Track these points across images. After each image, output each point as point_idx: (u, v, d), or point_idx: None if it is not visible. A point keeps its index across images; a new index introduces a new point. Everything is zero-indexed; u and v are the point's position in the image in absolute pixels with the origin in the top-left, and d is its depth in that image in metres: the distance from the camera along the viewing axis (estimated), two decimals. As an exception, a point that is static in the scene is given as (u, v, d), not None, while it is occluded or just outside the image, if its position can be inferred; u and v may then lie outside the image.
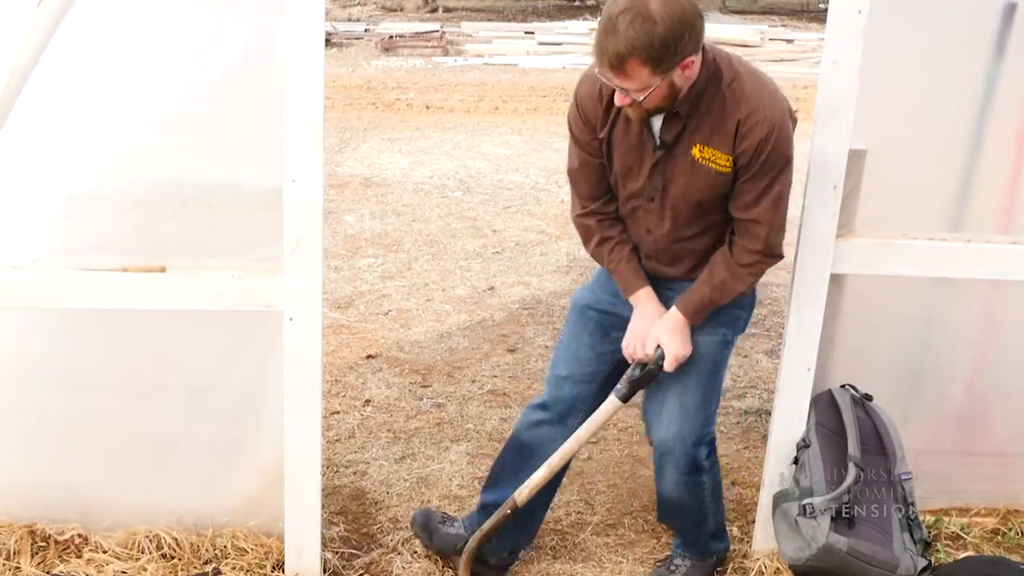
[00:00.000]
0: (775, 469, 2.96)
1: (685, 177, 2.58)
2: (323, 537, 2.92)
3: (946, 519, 3.24)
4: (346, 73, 13.62)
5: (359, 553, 3.08)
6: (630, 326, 2.76)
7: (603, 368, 2.85)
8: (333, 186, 7.76)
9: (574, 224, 2.83)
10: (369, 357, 4.64)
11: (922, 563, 2.83)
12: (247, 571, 2.84)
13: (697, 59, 2.41)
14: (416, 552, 3.09)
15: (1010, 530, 3.23)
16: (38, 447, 2.90)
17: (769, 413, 2.99)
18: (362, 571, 2.98)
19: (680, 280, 2.74)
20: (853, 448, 2.85)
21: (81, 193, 2.66)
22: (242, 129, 2.63)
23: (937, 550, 3.10)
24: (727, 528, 3.12)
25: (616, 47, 2.31)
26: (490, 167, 8.77)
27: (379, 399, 4.21)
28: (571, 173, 2.76)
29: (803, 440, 2.89)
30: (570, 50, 15.55)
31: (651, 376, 2.73)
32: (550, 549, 3.20)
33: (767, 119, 2.46)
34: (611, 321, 2.83)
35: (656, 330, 2.69)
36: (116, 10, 2.56)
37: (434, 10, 21.02)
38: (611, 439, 3.91)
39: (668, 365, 2.69)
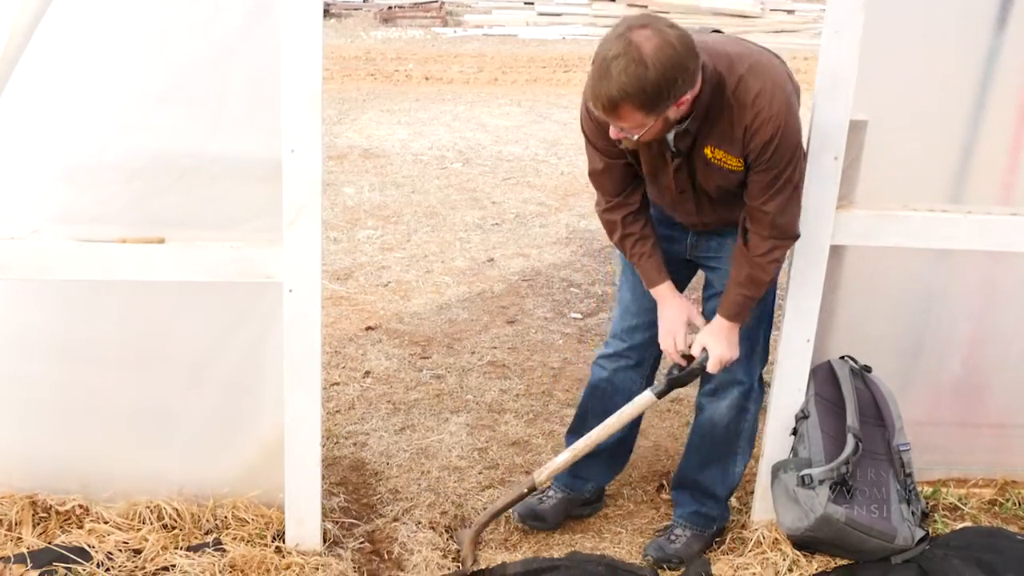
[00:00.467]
0: (774, 440, 2.98)
1: (705, 173, 2.64)
2: (323, 507, 2.93)
3: (944, 490, 3.25)
4: (345, 44, 13.57)
5: (359, 523, 3.10)
6: (660, 323, 2.85)
7: None
8: (332, 158, 7.74)
9: (599, 218, 2.87)
10: (369, 328, 4.65)
11: (920, 533, 2.85)
12: (248, 541, 2.85)
13: (693, 92, 2.42)
14: (420, 522, 3.11)
15: (1007, 501, 3.24)
16: (39, 418, 2.91)
17: (768, 384, 3.00)
18: (362, 540, 3.00)
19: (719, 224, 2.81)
20: (852, 419, 2.86)
21: (80, 164, 2.65)
22: (241, 100, 2.62)
23: (935, 521, 3.12)
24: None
25: (609, 92, 2.31)
26: (489, 138, 8.75)
27: (379, 370, 4.22)
28: (594, 175, 2.78)
29: (802, 411, 2.90)
30: (570, 21, 15.48)
31: (693, 376, 2.83)
32: (549, 519, 3.21)
33: (772, 120, 2.47)
34: None
35: (702, 335, 2.77)
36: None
37: (433, -20, 20.87)
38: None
39: (712, 367, 2.76)
